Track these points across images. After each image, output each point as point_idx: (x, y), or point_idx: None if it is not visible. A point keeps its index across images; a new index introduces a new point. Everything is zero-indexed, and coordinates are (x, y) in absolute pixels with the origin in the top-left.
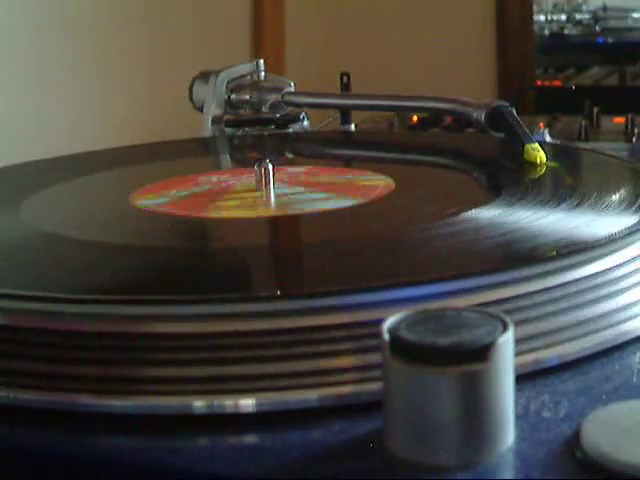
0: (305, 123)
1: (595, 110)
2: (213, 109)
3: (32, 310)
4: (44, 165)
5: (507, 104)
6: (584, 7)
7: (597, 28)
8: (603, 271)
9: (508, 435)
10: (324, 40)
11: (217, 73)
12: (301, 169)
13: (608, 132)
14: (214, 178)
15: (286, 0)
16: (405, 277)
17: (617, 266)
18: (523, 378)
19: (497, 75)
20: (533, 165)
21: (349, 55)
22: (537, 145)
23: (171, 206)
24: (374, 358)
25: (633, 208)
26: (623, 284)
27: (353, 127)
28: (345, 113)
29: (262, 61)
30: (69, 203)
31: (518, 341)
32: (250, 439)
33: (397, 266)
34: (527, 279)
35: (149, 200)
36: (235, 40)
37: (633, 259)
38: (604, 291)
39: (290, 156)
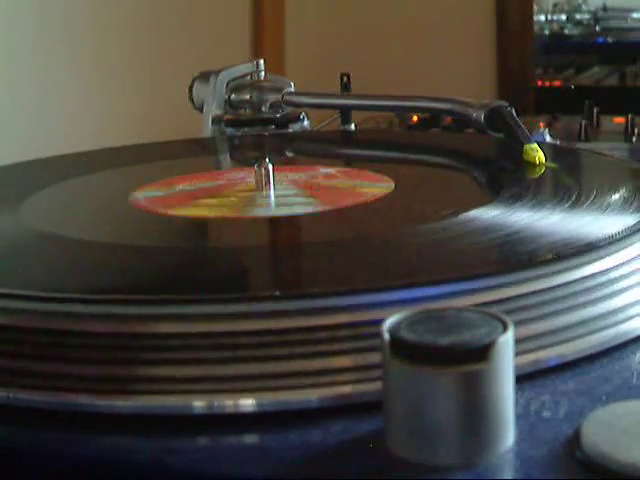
0: (305, 123)
1: (595, 110)
2: (213, 109)
3: (32, 310)
4: (43, 164)
5: (506, 104)
6: (584, 7)
7: (597, 28)
8: (603, 271)
9: (508, 435)
10: (324, 40)
11: (217, 73)
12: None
13: (608, 132)
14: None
15: (286, 0)
16: (405, 279)
17: (617, 266)
18: (523, 378)
19: (497, 75)
20: (532, 165)
21: (349, 55)
22: (536, 146)
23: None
24: (374, 358)
25: (632, 208)
26: (623, 284)
27: (353, 127)
28: (345, 113)
29: (262, 61)
30: (68, 203)
31: (518, 341)
32: (250, 439)
33: (397, 267)
34: (527, 280)
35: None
36: (235, 40)
37: (633, 259)
38: (604, 291)
39: (291, 156)
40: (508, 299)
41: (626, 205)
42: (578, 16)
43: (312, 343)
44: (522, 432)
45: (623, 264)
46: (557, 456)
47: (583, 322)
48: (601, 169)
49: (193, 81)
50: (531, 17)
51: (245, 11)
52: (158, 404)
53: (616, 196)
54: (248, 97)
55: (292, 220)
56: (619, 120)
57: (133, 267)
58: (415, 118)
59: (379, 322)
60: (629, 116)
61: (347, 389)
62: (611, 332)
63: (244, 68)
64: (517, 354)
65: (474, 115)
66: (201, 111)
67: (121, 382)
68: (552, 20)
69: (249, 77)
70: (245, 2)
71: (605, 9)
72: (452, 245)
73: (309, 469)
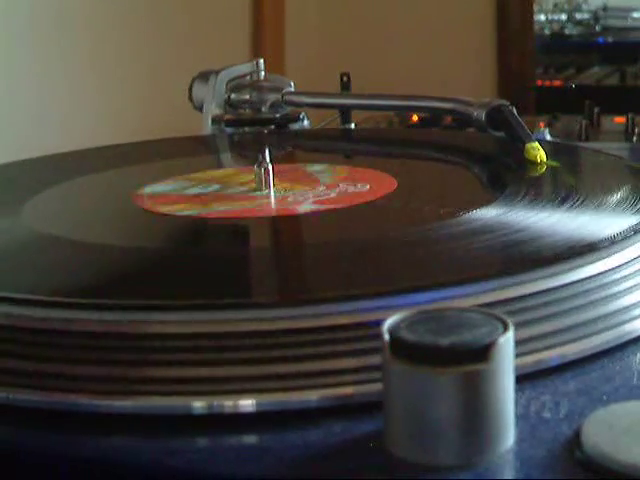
0: (305, 123)
1: (595, 110)
2: (213, 109)
3: (32, 312)
4: (41, 163)
5: (507, 103)
6: (584, 7)
7: (597, 28)
8: (604, 272)
9: (508, 435)
10: (324, 40)
11: (217, 73)
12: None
13: (608, 132)
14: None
15: (286, 0)
16: (407, 282)
17: (618, 267)
18: (524, 378)
19: (497, 75)
20: (534, 164)
21: (349, 55)
22: (537, 144)
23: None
24: (374, 359)
25: (634, 208)
26: (624, 285)
27: (353, 127)
28: (345, 113)
29: (262, 61)
30: (68, 203)
31: (519, 342)
32: (250, 439)
33: (398, 269)
34: (528, 281)
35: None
36: (235, 40)
37: (634, 260)
38: (605, 292)
39: (291, 155)
40: (510, 300)
41: (628, 205)
42: (578, 16)
43: (312, 344)
44: (522, 432)
45: (625, 265)
46: (557, 456)
47: (584, 322)
48: (603, 168)
49: (193, 81)
50: (531, 17)
51: (245, 11)
52: (158, 404)
53: (618, 195)
54: (248, 97)
55: (292, 220)
56: (619, 120)
57: (133, 269)
58: (415, 118)
59: (379, 323)
60: (629, 116)
61: (347, 390)
62: (612, 332)
63: (244, 68)
64: (518, 354)
65: (475, 114)
66: (201, 111)
67: (121, 382)
68: (552, 20)
69: (249, 77)
70: (245, 2)
71: (605, 9)
72: (453, 246)
73: (309, 469)
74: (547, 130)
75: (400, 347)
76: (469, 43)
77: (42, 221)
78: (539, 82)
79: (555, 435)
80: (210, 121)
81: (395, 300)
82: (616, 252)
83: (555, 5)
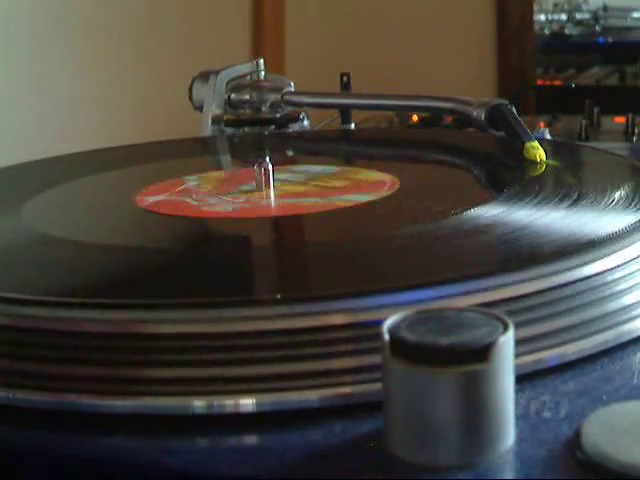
0: (305, 123)
1: (595, 110)
2: (213, 109)
3: (32, 312)
4: (42, 165)
5: (507, 102)
6: (584, 7)
7: (597, 28)
8: (604, 271)
9: (508, 435)
10: (324, 40)
11: (217, 73)
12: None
13: (608, 132)
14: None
15: (286, 0)
16: (406, 280)
17: (618, 266)
18: (523, 378)
19: (497, 74)
20: (533, 163)
21: (349, 55)
22: (537, 143)
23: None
24: (374, 359)
25: (633, 207)
26: (624, 285)
27: (353, 127)
28: (345, 113)
29: (262, 61)
30: (69, 204)
31: (519, 341)
32: (250, 439)
33: (397, 268)
34: (528, 280)
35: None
36: (235, 40)
37: (634, 259)
38: (605, 291)
39: (292, 155)
40: (509, 299)
41: (628, 203)
42: (578, 16)
43: (312, 344)
44: (522, 432)
45: (624, 264)
46: (557, 456)
47: (584, 322)
48: (602, 166)
49: (193, 81)
50: (531, 17)
51: (245, 11)
52: (158, 404)
53: (616, 195)
54: (248, 97)
55: (291, 220)
56: (619, 120)
57: (132, 269)
58: (415, 118)
59: (380, 323)
60: (629, 116)
61: (347, 389)
62: (612, 332)
63: (244, 68)
64: (518, 354)
65: (475, 113)
66: (201, 111)
67: (121, 382)
68: (552, 20)
69: (249, 77)
70: (245, 2)
71: (605, 9)
72: (452, 245)
73: (309, 469)
74: (547, 130)
75: (400, 347)
76: (469, 43)
77: (43, 222)
78: (539, 82)
79: (555, 435)
80: (210, 121)
81: (395, 299)
82: (616, 251)
83: (555, 5)
